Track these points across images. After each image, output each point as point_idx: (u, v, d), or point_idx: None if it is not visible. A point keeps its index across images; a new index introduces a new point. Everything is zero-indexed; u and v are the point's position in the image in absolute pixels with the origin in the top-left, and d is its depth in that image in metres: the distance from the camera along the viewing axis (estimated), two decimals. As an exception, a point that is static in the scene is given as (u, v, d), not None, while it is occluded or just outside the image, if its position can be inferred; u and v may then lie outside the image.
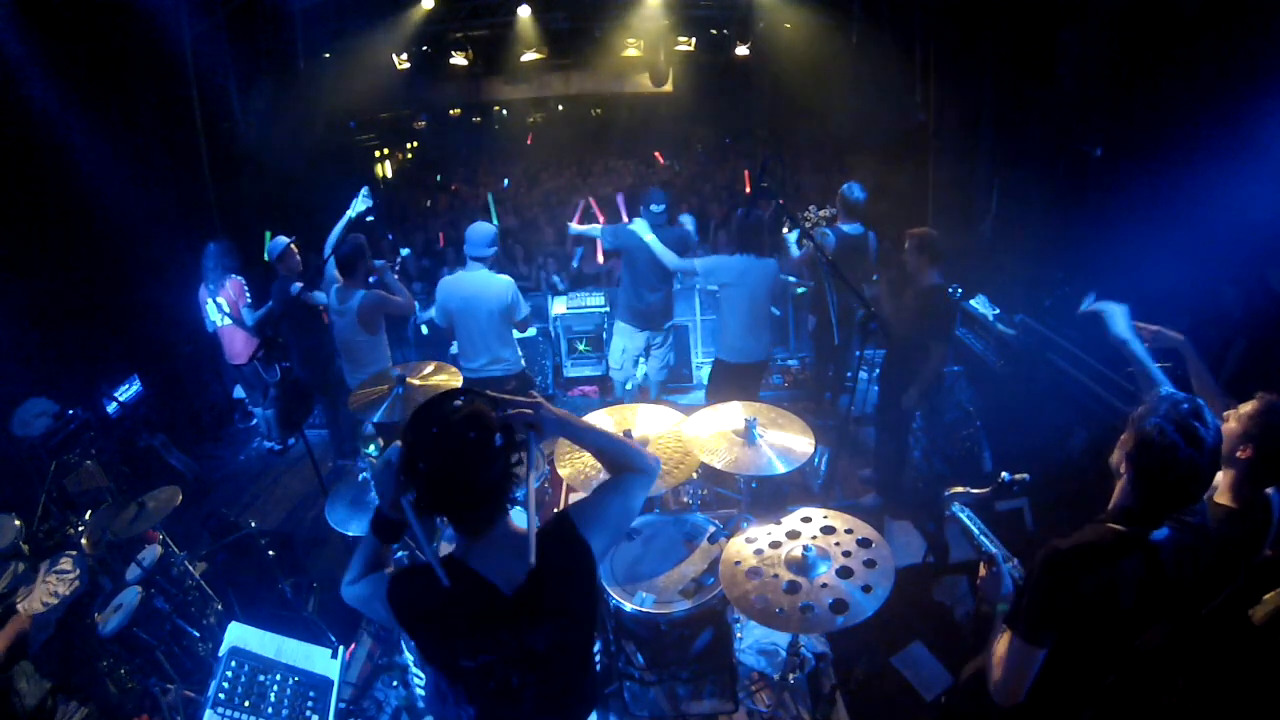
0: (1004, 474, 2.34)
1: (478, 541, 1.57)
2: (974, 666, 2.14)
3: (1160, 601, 1.73)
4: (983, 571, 2.07)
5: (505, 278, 4.13)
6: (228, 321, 5.18)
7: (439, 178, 11.60)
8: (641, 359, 5.04)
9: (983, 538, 2.24)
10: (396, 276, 4.48)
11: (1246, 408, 1.99)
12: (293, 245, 4.76)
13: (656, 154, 11.26)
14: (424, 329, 6.08)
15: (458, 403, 1.50)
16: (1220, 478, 2.07)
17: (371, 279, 4.31)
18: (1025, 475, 2.35)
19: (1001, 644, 1.82)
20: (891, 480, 4.53)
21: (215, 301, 5.14)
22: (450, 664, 1.59)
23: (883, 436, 4.54)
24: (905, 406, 4.11)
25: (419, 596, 1.58)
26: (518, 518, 1.66)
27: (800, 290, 5.98)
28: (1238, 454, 1.97)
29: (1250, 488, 1.97)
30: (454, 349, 4.53)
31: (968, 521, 2.32)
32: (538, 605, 1.57)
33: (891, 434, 4.51)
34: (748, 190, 4.94)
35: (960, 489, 2.41)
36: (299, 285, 4.60)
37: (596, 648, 2.95)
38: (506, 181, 7.13)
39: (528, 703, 1.65)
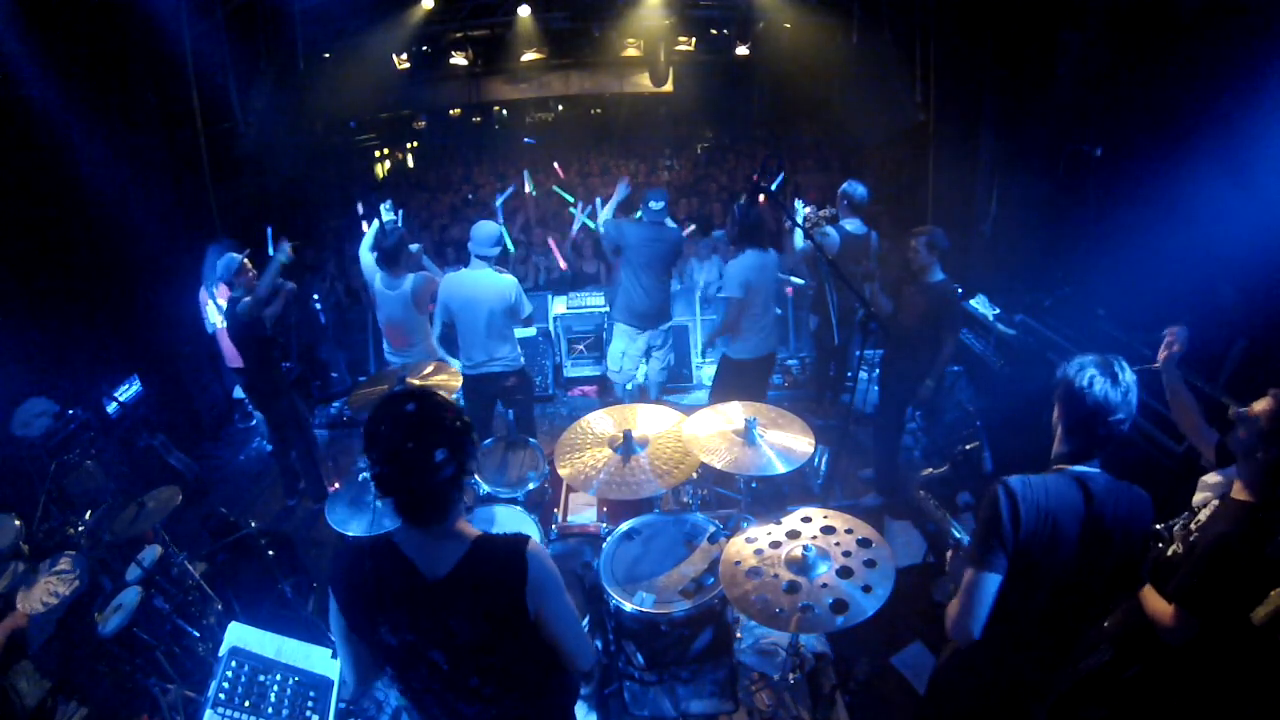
0: (960, 446, 2.41)
1: (419, 530, 1.61)
2: (951, 647, 2.16)
3: (1100, 538, 1.80)
4: (949, 557, 2.11)
5: (508, 277, 4.13)
6: (226, 324, 5.17)
7: (433, 178, 11.61)
8: (643, 361, 5.02)
9: (950, 522, 2.28)
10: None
11: (1260, 406, 1.99)
12: (246, 261, 4.52)
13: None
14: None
15: (410, 407, 1.54)
16: (1234, 477, 2.08)
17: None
18: (977, 443, 2.41)
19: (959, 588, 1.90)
20: (891, 480, 4.53)
21: (215, 303, 5.12)
22: (375, 639, 1.63)
23: (883, 436, 4.54)
24: (922, 396, 4.15)
25: (350, 570, 1.65)
26: (509, 522, 1.68)
27: (799, 282, 5.95)
28: (1257, 455, 1.96)
29: (1270, 486, 1.97)
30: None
31: (933, 509, 2.37)
32: (457, 597, 1.60)
33: (892, 433, 4.51)
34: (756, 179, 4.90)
35: (927, 471, 2.47)
36: (246, 301, 4.39)
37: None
38: (531, 188, 7.11)
39: (474, 696, 1.68)
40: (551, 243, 7.03)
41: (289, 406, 4.74)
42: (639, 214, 4.69)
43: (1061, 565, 1.80)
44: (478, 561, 1.61)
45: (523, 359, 4.42)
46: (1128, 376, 1.76)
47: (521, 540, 1.65)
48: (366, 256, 4.47)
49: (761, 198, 4.70)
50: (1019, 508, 1.77)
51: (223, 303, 5.11)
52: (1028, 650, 1.94)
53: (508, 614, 1.62)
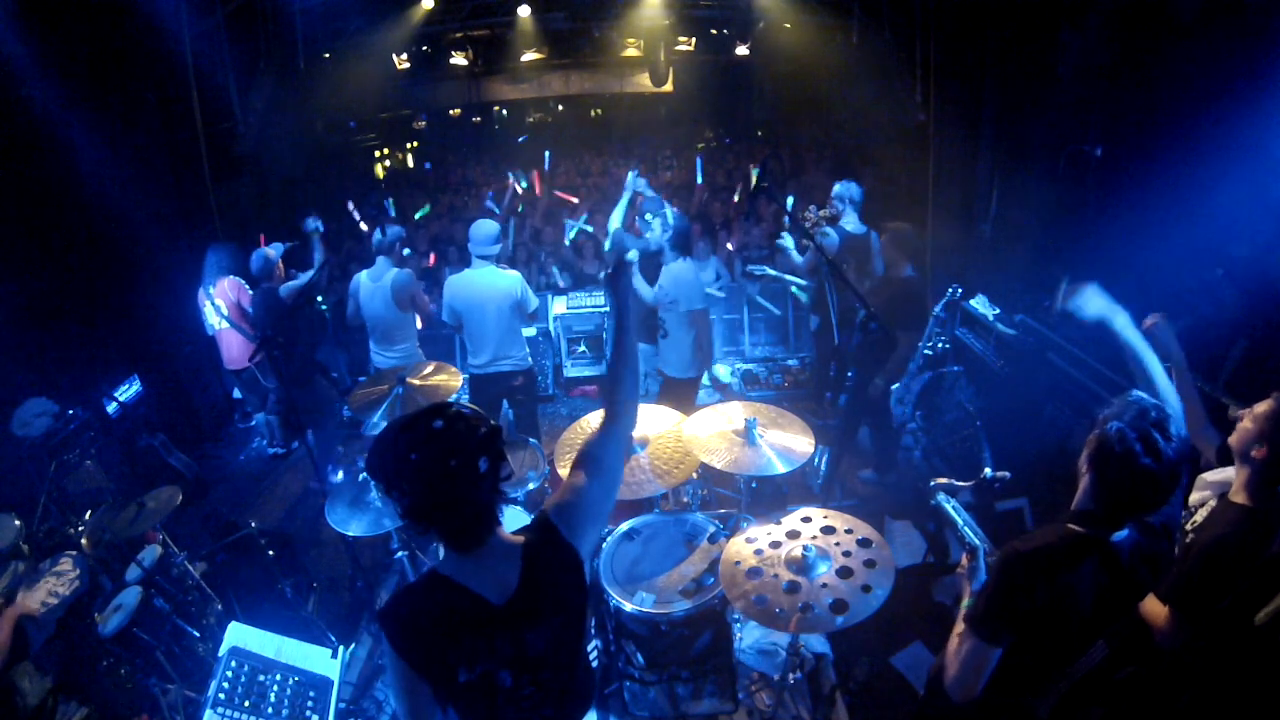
0: (987, 470, 2.38)
1: (469, 555, 1.54)
2: (939, 663, 2.15)
3: (1120, 604, 1.74)
4: (964, 562, 2.07)
5: (513, 273, 4.13)
6: (225, 325, 5.17)
7: (429, 172, 11.59)
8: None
9: (965, 529, 2.25)
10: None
11: (1261, 407, 1.98)
12: (280, 261, 4.70)
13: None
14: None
15: (438, 424, 1.43)
16: (1234, 476, 2.07)
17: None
18: (1005, 474, 2.37)
19: (958, 641, 1.83)
20: (846, 439, 4.53)
21: (213, 303, 5.12)
22: (450, 680, 1.55)
23: (863, 420, 4.57)
24: (872, 395, 4.13)
25: (411, 618, 1.54)
26: (511, 522, 1.66)
27: (799, 284, 5.93)
28: (1253, 453, 1.96)
29: (1266, 486, 1.96)
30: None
31: (952, 512, 2.34)
32: (532, 611, 1.56)
33: (866, 414, 4.53)
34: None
35: (944, 480, 2.43)
36: (290, 286, 4.54)
37: (594, 645, 2.95)
38: (524, 182, 7.02)
39: (525, 702, 1.65)
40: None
41: (314, 394, 4.77)
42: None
43: (1073, 628, 1.75)
44: (539, 566, 1.57)
45: (530, 359, 4.41)
46: (1171, 442, 1.59)
47: (545, 519, 1.63)
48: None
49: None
50: (1039, 594, 1.68)
51: (220, 303, 5.11)
52: (1025, 657, 1.93)
53: (576, 591, 1.64)
